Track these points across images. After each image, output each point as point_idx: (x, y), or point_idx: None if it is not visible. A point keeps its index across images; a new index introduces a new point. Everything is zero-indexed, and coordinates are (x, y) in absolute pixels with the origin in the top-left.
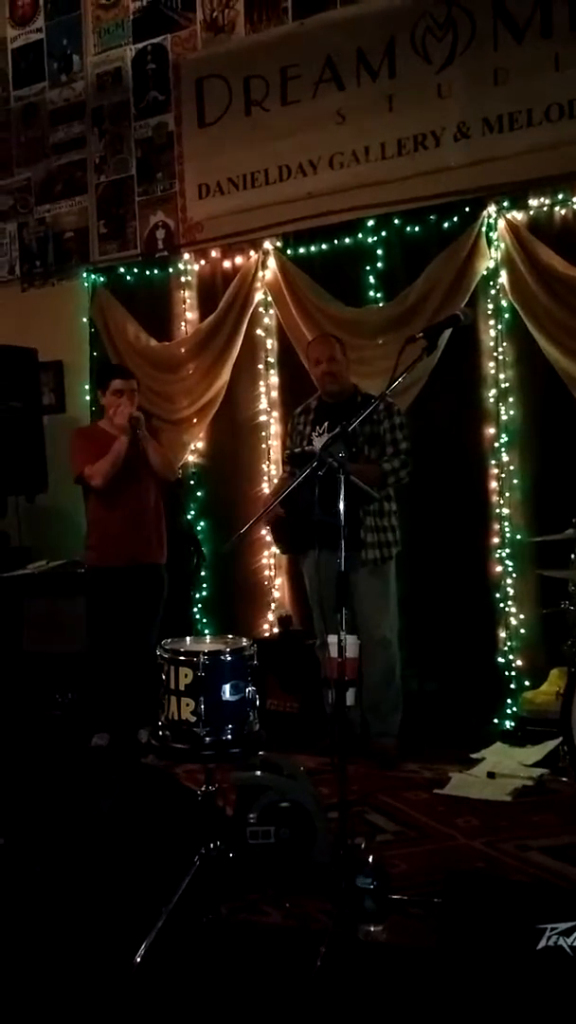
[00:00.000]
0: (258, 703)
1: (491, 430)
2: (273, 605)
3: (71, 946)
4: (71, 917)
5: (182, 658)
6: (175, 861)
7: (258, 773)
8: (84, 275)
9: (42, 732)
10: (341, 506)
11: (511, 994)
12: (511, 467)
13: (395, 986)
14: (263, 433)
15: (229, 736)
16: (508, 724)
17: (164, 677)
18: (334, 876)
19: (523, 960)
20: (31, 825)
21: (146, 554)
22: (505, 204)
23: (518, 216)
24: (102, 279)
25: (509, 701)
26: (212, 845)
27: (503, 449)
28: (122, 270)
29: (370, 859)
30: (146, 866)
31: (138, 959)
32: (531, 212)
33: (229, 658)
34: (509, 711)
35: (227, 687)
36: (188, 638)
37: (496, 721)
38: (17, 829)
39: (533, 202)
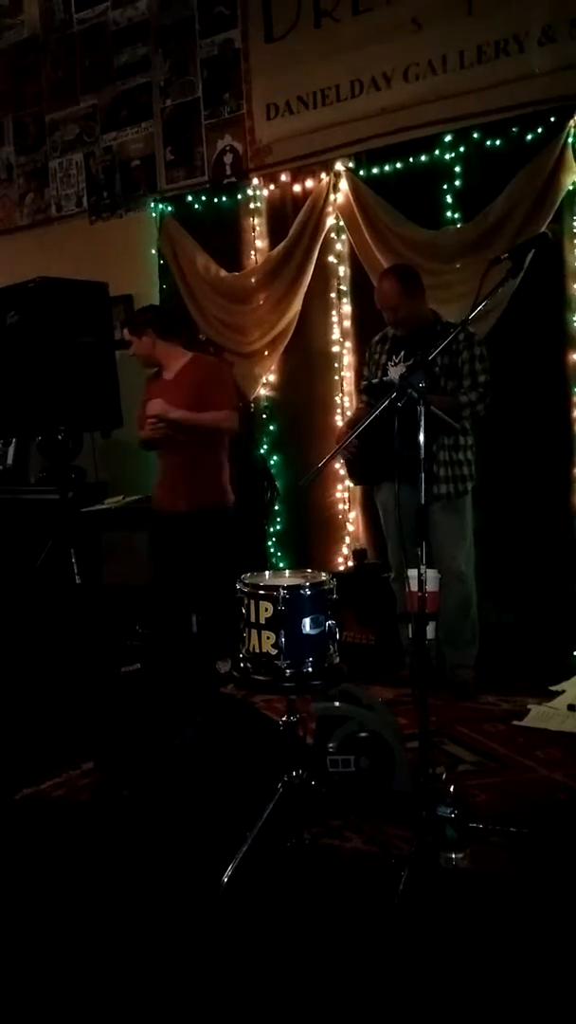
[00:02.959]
0: (338, 636)
1: (575, 356)
2: (347, 539)
3: (159, 866)
4: (158, 839)
5: (262, 592)
6: (258, 788)
7: (337, 704)
8: (152, 205)
9: (122, 662)
10: (421, 438)
11: None
12: None
13: (477, 912)
14: (336, 364)
15: (310, 668)
16: None
17: (244, 610)
18: (415, 804)
19: None
20: (117, 751)
21: (181, 504)
22: None
23: None
24: (170, 208)
25: None
26: (295, 773)
27: None
28: (190, 198)
29: (451, 788)
30: (230, 792)
31: (225, 879)
32: None
33: (309, 592)
34: None
35: (307, 621)
36: (267, 572)
37: (575, 654)
38: (104, 755)
39: None
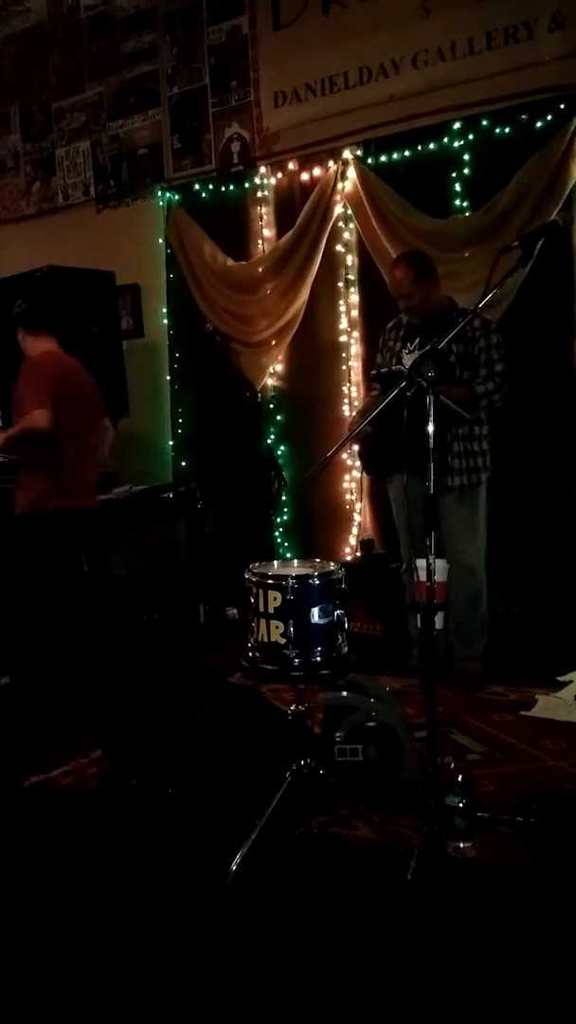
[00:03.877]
0: (346, 626)
1: None
2: (355, 529)
3: (167, 854)
4: (167, 827)
5: (271, 582)
6: (266, 777)
7: (345, 694)
8: (159, 193)
9: (131, 652)
10: (430, 428)
11: None
12: None
13: (485, 902)
14: (344, 354)
15: (318, 658)
16: None
17: (253, 600)
18: (423, 794)
19: None
20: (126, 740)
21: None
22: None
23: None
24: (177, 197)
25: None
26: (303, 762)
27: None
28: (197, 187)
29: (459, 778)
30: (238, 781)
31: (233, 867)
32: None
33: (317, 582)
34: None
35: (316, 610)
36: (276, 562)
37: None
38: (112, 744)
39: None
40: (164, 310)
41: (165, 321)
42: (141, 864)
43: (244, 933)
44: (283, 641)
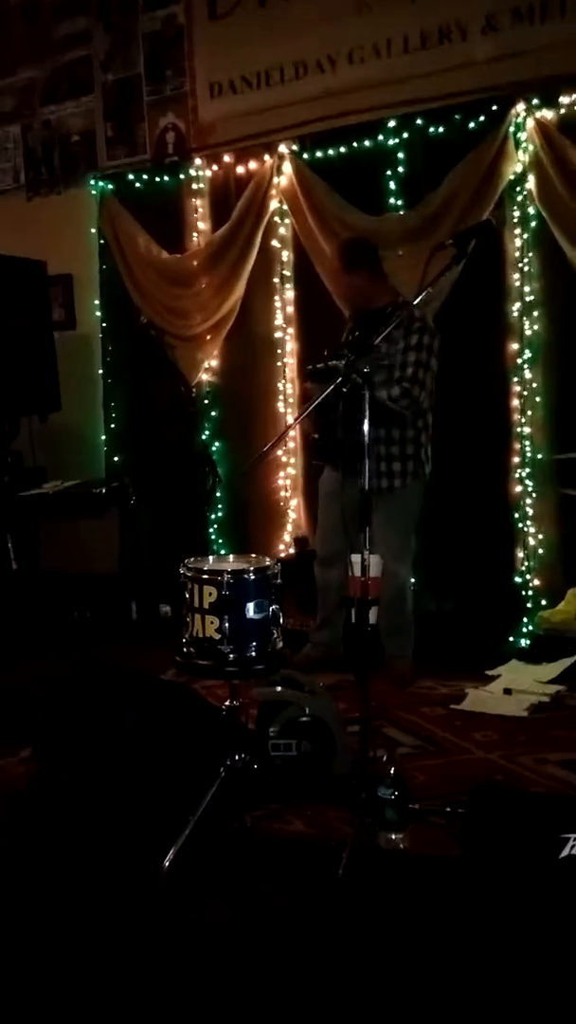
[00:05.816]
0: (281, 621)
1: (514, 345)
2: (289, 526)
3: (99, 853)
4: (98, 826)
5: (206, 576)
6: (200, 773)
7: (279, 689)
8: (92, 182)
9: (60, 650)
10: (366, 425)
11: (534, 901)
12: (534, 384)
13: (416, 892)
14: (279, 350)
15: (253, 653)
16: (524, 643)
17: (188, 595)
18: (355, 787)
19: (546, 868)
20: (56, 739)
21: None
22: (535, 102)
23: (548, 115)
24: (110, 187)
25: (525, 620)
26: (237, 757)
27: (526, 365)
28: (131, 177)
29: (391, 770)
30: (172, 778)
31: (166, 864)
32: (562, 111)
33: (253, 577)
34: (525, 630)
35: (251, 605)
36: (211, 557)
37: (512, 640)
38: (43, 743)
39: (565, 100)
40: (97, 301)
41: (98, 313)
42: (71, 863)
43: (178, 930)
44: (218, 636)
